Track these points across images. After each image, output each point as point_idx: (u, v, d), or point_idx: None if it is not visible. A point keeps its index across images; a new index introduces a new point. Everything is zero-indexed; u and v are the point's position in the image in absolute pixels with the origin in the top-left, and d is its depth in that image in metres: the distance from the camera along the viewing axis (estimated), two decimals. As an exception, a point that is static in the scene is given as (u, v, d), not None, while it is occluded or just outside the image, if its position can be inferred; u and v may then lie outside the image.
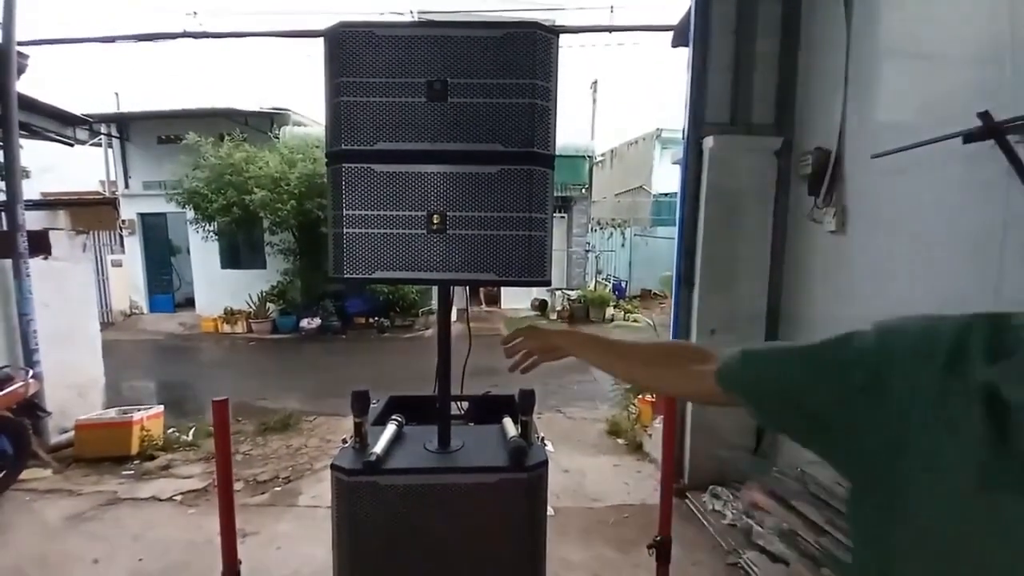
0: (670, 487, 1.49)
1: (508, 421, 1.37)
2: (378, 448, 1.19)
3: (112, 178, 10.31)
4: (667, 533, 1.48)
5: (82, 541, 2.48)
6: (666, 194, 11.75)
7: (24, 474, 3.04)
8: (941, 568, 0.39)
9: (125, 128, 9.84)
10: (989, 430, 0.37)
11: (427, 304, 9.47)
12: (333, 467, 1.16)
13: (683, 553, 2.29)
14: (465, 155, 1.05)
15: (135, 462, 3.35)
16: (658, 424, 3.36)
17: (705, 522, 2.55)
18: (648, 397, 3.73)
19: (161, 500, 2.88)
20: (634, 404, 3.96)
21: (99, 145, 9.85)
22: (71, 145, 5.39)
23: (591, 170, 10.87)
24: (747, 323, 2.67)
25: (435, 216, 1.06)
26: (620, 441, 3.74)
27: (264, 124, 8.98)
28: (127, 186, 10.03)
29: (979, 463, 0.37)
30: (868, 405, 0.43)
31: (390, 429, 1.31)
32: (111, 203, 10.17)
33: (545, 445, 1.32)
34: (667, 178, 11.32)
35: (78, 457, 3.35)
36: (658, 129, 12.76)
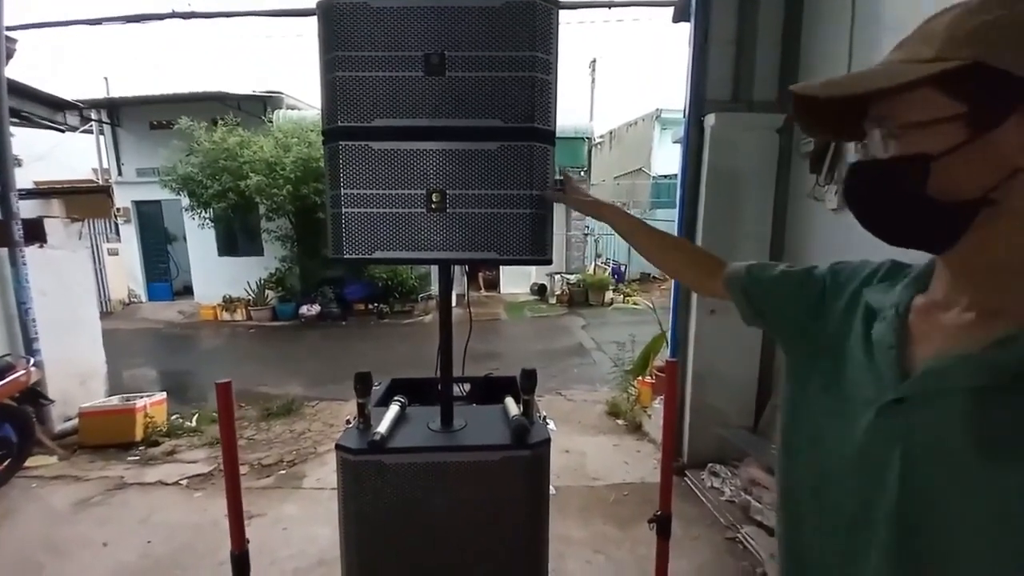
0: (670, 463, 1.50)
1: (510, 400, 1.38)
2: (382, 428, 1.20)
3: (105, 166, 10.19)
4: (667, 509, 1.50)
5: (90, 525, 2.51)
6: (666, 176, 11.66)
7: (30, 461, 3.07)
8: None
9: (116, 114, 9.67)
10: (859, 328, 0.56)
11: (426, 290, 9.48)
12: (338, 447, 1.17)
13: (682, 528, 2.34)
14: (464, 131, 1.03)
15: (140, 448, 3.38)
16: (658, 404, 3.39)
17: (704, 499, 2.60)
18: (647, 379, 3.76)
19: (167, 484, 2.92)
20: (633, 386, 3.99)
21: (90, 132, 9.71)
22: (62, 131, 5.31)
23: (590, 152, 10.77)
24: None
25: (434, 194, 1.05)
26: (619, 422, 3.78)
27: (257, 108, 8.84)
28: (120, 173, 9.90)
29: (852, 353, 0.55)
30: (815, 312, 0.62)
31: (393, 410, 1.31)
32: (105, 191, 10.06)
33: (547, 424, 1.33)
34: (667, 160, 11.22)
35: (83, 444, 3.38)
36: (658, 109, 12.58)
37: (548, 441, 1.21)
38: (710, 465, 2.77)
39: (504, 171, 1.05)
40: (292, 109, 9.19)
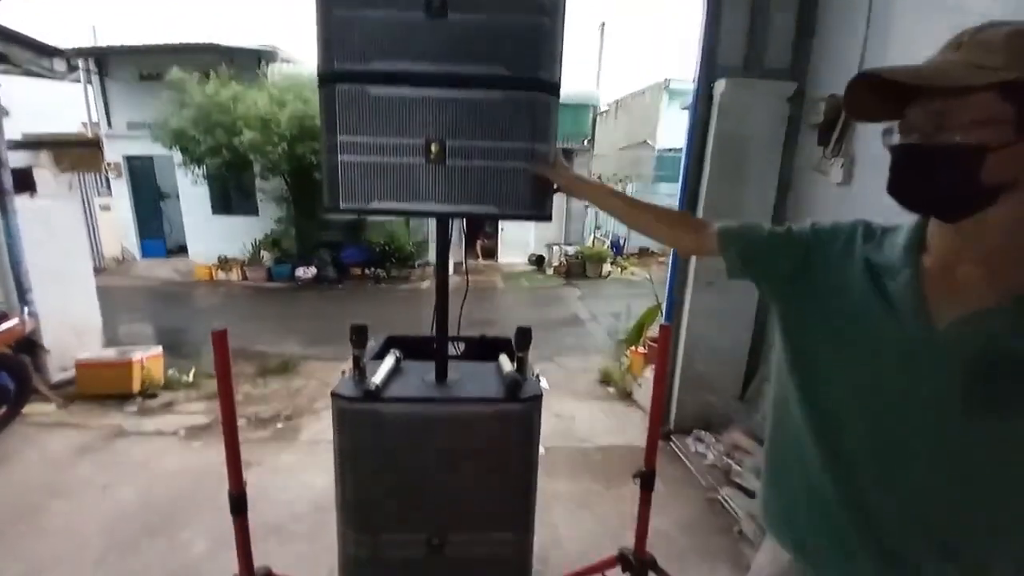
0: (658, 420, 1.55)
1: (504, 358, 1.40)
2: (377, 378, 1.22)
3: (95, 119, 9.86)
4: (651, 465, 1.55)
5: (90, 469, 2.58)
6: (670, 150, 11.46)
7: (28, 409, 3.11)
8: (829, 369, 0.69)
9: (104, 64, 9.29)
10: (865, 282, 0.66)
11: (423, 256, 9.45)
12: (333, 395, 1.19)
13: (665, 489, 2.43)
14: (466, 78, 1.00)
15: (137, 400, 3.43)
16: (648, 374, 3.45)
17: (688, 463, 2.69)
18: (640, 349, 3.82)
19: (166, 434, 2.98)
20: (626, 355, 4.05)
21: (78, 82, 9.35)
22: (49, 77, 5.12)
23: (594, 121, 10.51)
24: (743, 276, 2.68)
25: (433, 144, 1.02)
26: (610, 390, 3.86)
27: (251, 62, 8.51)
28: (110, 126, 9.60)
29: (856, 302, 0.66)
30: (801, 269, 0.73)
31: (388, 362, 1.33)
32: (94, 144, 9.78)
33: (540, 381, 1.35)
34: (673, 132, 10.98)
35: (80, 394, 3.42)
36: (666, 80, 12.22)
37: (540, 396, 1.24)
38: (695, 431, 2.85)
39: (505, 122, 1.02)
40: (286, 63, 8.85)
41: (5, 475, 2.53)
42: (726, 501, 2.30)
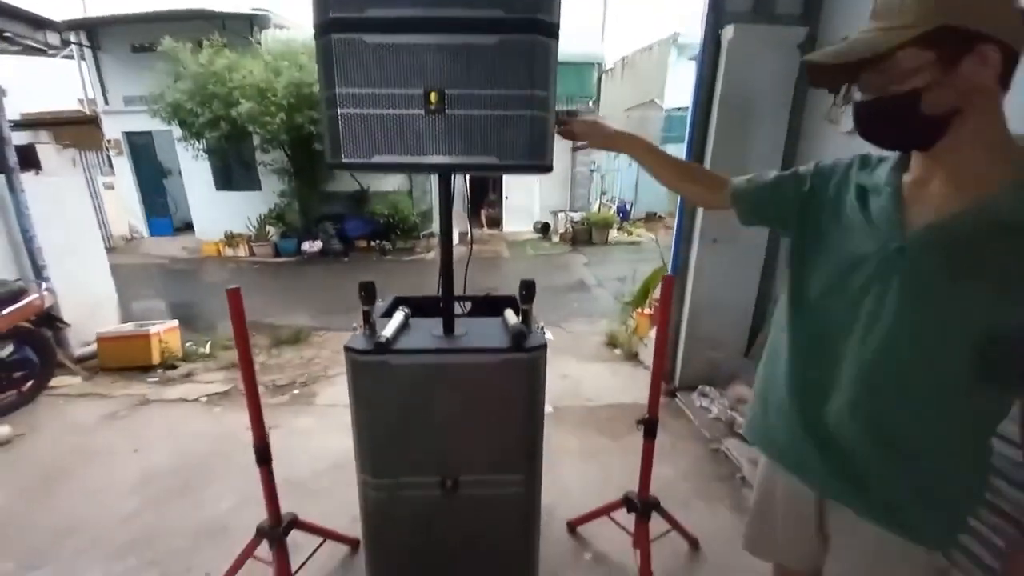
0: (660, 371, 1.59)
1: (509, 312, 1.44)
2: (387, 332, 1.26)
3: (91, 96, 9.74)
4: (655, 413, 1.60)
5: (119, 435, 2.70)
6: (679, 109, 11.11)
7: (54, 381, 3.24)
8: (824, 279, 0.82)
9: (96, 37, 9.10)
10: (854, 201, 0.81)
11: (428, 227, 9.42)
12: (346, 348, 1.24)
13: (669, 441, 2.51)
14: (462, 22, 0.98)
15: (158, 371, 3.54)
16: (654, 334, 3.49)
17: (692, 417, 2.75)
18: (646, 311, 3.84)
19: (188, 401, 3.10)
20: (632, 317, 4.08)
21: (71, 58, 9.18)
22: (44, 53, 5.03)
23: (599, 81, 10.14)
24: (749, 232, 2.66)
25: (432, 93, 1.02)
26: (617, 351, 3.91)
27: (243, 28, 8.29)
28: (107, 102, 9.50)
29: (847, 220, 0.81)
30: (809, 195, 0.88)
31: (398, 317, 1.37)
32: (93, 121, 9.71)
33: (544, 333, 1.38)
34: (682, 90, 10.60)
35: (103, 367, 3.55)
36: (675, 33, 11.71)
37: (545, 346, 1.27)
38: (700, 387, 2.91)
39: (504, 68, 1.01)
40: (280, 28, 8.61)
41: (37, 441, 2.66)
42: (728, 451, 2.37)
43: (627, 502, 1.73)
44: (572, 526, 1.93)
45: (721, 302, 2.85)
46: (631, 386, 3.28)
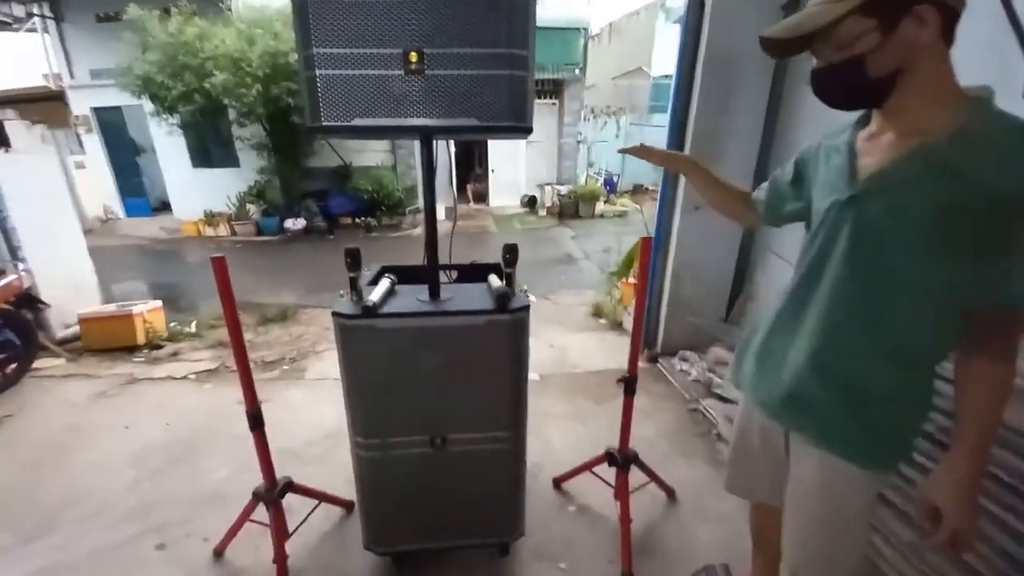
0: (639, 331, 1.66)
1: (493, 276, 1.48)
2: (374, 297, 1.29)
3: (56, 70, 9.25)
4: (634, 372, 1.68)
5: (109, 413, 2.72)
6: (666, 76, 10.97)
7: (38, 363, 3.21)
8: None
9: (58, 7, 8.58)
10: (822, 163, 0.92)
11: (413, 203, 9.30)
12: (334, 314, 1.27)
13: (650, 402, 2.61)
14: (438, -20, 0.98)
15: (144, 351, 3.53)
16: (638, 303, 3.57)
17: (672, 380, 2.86)
18: (631, 280, 3.92)
19: (176, 379, 3.11)
20: (617, 287, 4.16)
21: (35, 31, 8.68)
22: (8, 26, 4.76)
23: (586, 47, 9.85)
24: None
25: (412, 53, 1.02)
26: (602, 321, 4.00)
27: (214, -6, 7.88)
28: (72, 76, 9.04)
29: (817, 181, 0.93)
30: (798, 186, 1.01)
31: (384, 284, 1.40)
32: (58, 97, 9.26)
33: (528, 296, 1.43)
34: (669, 56, 10.43)
35: (87, 348, 3.52)
36: (663, -5, 11.42)
37: (528, 307, 1.32)
38: (681, 352, 3.01)
39: (482, 27, 1.02)
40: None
41: (29, 419, 2.66)
42: (706, 410, 2.49)
43: (608, 456, 1.83)
44: (557, 482, 2.03)
45: (702, 269, 2.92)
46: (615, 353, 3.37)
